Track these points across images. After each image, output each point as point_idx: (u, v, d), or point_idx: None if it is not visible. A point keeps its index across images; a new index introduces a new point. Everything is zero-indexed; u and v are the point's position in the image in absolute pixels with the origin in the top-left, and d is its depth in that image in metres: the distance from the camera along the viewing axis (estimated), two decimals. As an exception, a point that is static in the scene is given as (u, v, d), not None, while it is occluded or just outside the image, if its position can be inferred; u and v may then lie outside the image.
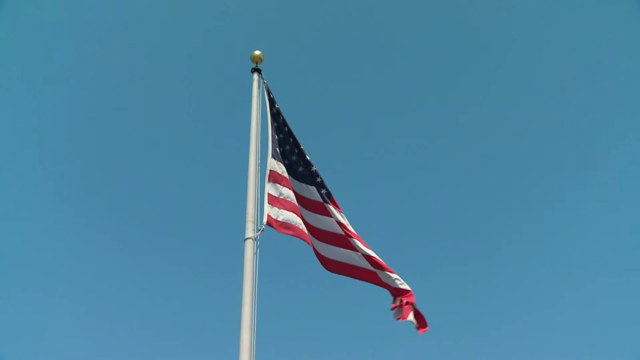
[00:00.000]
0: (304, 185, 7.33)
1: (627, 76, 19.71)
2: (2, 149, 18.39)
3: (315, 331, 18.27)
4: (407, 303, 6.80)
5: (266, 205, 6.61)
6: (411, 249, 20.89)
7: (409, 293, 6.87)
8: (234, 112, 20.41)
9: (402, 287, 6.90)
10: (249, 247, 6.21)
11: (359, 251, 7.05)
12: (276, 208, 6.74)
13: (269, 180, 6.87)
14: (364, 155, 22.74)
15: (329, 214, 7.17)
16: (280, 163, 7.18)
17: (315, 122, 22.15)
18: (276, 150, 7.26)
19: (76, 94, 20.68)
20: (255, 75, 7.89)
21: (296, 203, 7.06)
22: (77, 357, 16.43)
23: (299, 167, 7.38)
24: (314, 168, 7.39)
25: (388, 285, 6.99)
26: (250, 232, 6.32)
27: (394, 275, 6.94)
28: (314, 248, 7.06)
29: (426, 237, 21.47)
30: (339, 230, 7.10)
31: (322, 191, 7.27)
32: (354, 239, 7.05)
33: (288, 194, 7.01)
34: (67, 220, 19.42)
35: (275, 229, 6.60)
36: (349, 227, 7.15)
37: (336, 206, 7.26)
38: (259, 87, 7.77)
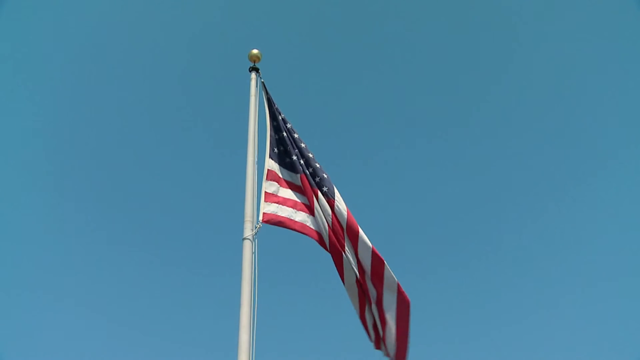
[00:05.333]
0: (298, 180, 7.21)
1: (627, 76, 19.72)
2: (1, 148, 18.42)
3: (314, 331, 18.28)
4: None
5: (262, 203, 6.61)
6: (412, 250, 20.91)
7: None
8: (231, 111, 20.41)
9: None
10: (247, 247, 6.20)
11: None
12: (274, 204, 6.72)
13: (267, 179, 6.86)
14: (363, 155, 22.76)
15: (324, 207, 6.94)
16: (276, 163, 7.14)
17: (314, 121, 22.13)
18: (274, 150, 7.23)
19: (74, 94, 20.70)
20: (253, 75, 7.87)
21: (296, 199, 6.98)
22: (77, 357, 16.45)
23: (298, 165, 7.23)
24: (318, 165, 7.25)
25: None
26: (248, 231, 6.31)
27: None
28: (314, 237, 6.87)
29: (426, 238, 21.49)
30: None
31: (324, 189, 7.11)
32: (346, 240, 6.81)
33: (285, 192, 6.95)
34: (66, 220, 19.45)
35: (272, 223, 6.55)
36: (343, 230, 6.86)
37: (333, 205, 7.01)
38: (256, 86, 7.76)
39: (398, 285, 6.53)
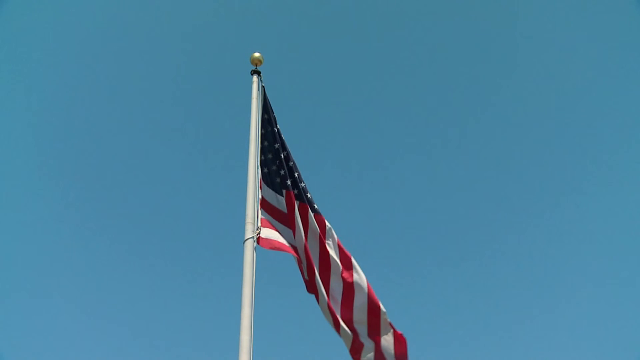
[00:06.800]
0: (278, 196, 7.17)
1: (627, 76, 19.76)
2: (1, 149, 18.46)
3: (314, 332, 18.30)
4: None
5: (259, 210, 6.67)
6: (412, 251, 20.95)
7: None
8: (233, 113, 20.46)
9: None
10: (249, 248, 6.26)
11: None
12: (267, 229, 6.71)
13: (260, 189, 6.94)
14: (364, 158, 22.79)
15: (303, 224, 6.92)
16: (263, 182, 7.17)
17: (315, 125, 22.21)
18: (261, 158, 7.23)
19: (74, 96, 20.74)
20: (255, 78, 7.92)
21: (269, 216, 6.98)
22: (77, 358, 16.48)
23: (277, 178, 7.21)
24: (302, 185, 7.20)
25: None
26: (249, 233, 6.38)
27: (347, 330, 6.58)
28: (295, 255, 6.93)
29: (427, 238, 21.52)
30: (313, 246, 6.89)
31: (315, 206, 7.10)
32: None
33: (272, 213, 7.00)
34: (67, 222, 19.47)
35: (268, 248, 6.56)
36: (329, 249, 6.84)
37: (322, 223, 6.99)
38: (258, 90, 7.81)
39: (390, 324, 6.59)
